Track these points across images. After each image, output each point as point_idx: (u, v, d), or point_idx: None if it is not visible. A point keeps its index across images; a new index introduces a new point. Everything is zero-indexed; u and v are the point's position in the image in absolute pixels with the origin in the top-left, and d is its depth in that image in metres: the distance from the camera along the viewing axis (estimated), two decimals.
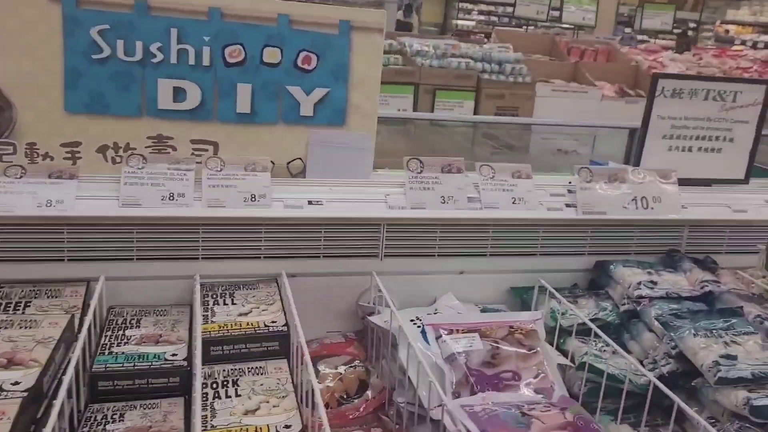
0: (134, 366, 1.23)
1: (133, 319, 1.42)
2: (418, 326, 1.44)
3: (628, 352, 1.58)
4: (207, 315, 1.40)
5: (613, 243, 1.83)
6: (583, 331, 1.58)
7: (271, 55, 1.59)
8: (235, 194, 1.50)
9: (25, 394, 1.03)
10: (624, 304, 1.63)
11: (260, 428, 1.11)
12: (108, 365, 1.22)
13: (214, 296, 1.48)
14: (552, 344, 1.60)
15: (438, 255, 1.71)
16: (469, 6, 16.63)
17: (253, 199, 1.51)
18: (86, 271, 1.47)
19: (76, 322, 1.31)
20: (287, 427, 1.12)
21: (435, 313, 1.52)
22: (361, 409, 1.47)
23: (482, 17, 16.54)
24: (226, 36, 1.55)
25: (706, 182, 1.98)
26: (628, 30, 11.47)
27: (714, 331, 1.43)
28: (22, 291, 1.42)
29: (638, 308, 1.58)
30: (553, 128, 5.67)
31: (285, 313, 1.42)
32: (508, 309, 1.76)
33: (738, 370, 1.32)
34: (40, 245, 1.45)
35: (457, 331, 1.33)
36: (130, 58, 1.51)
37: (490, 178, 1.71)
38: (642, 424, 1.35)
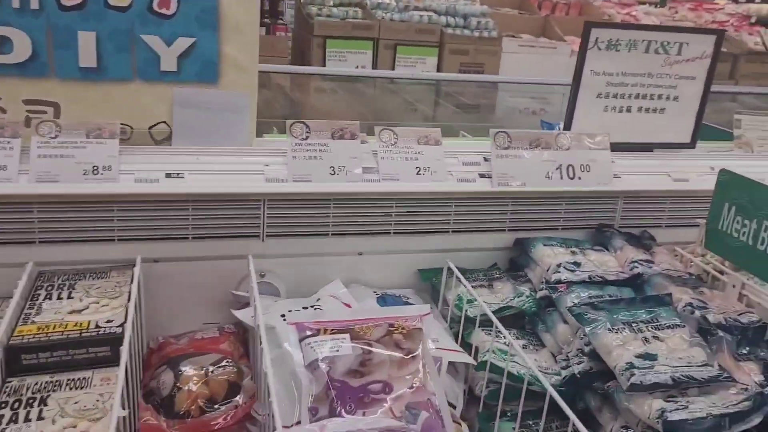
0: None
1: None
2: None
3: (543, 345, 1.38)
4: (30, 313, 1.16)
5: (537, 218, 1.61)
6: (490, 323, 1.37)
7: None
8: (72, 166, 1.26)
9: None
10: (541, 290, 1.43)
11: None
12: None
13: (50, 288, 1.25)
14: (457, 337, 1.40)
15: (332, 234, 1.48)
16: None
17: (95, 172, 1.27)
18: None
19: None
20: None
21: (313, 307, 1.30)
22: (228, 418, 1.25)
23: None
24: None
25: (647, 147, 1.76)
26: None
27: (634, 325, 1.23)
28: None
29: (553, 295, 1.37)
30: (520, 86, 5.40)
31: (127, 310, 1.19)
32: (416, 294, 1.55)
33: (655, 373, 1.12)
34: None
35: (325, 331, 1.11)
36: None
37: (391, 144, 1.47)
38: None
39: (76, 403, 1.02)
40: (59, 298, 1.22)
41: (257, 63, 1.43)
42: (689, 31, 1.77)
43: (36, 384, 1.05)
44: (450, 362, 1.34)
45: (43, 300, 1.21)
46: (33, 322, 1.14)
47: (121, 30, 1.33)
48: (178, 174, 1.32)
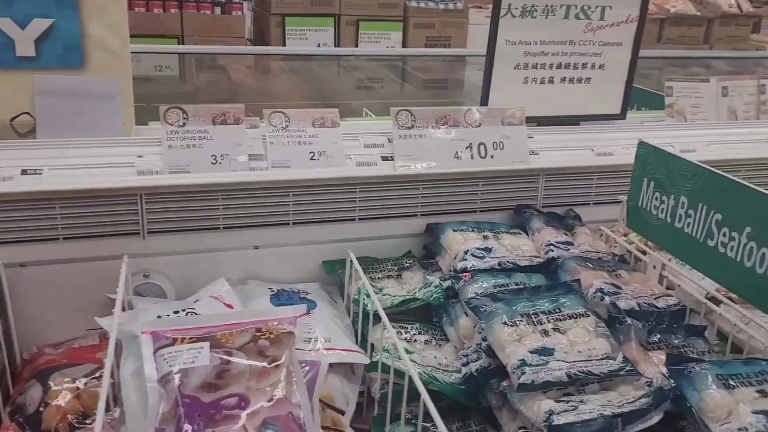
0: None
1: None
2: None
3: (447, 340, 1.28)
4: None
5: (452, 201, 1.50)
6: (394, 317, 1.27)
7: None
8: None
9: None
10: (446, 279, 1.32)
11: None
12: None
13: None
14: (357, 333, 1.29)
15: (224, 228, 1.37)
16: None
17: None
18: None
19: None
20: None
21: (185, 310, 1.19)
22: None
23: None
24: None
25: (574, 120, 1.65)
26: None
27: (534, 316, 1.13)
28: None
29: (456, 286, 1.27)
30: None
31: None
32: (322, 288, 1.45)
33: (548, 371, 1.02)
34: None
35: (183, 340, 1.01)
36: None
37: (282, 128, 1.35)
38: None
39: None
40: None
41: (128, 44, 1.31)
42: None
43: None
44: (349, 363, 1.24)
45: None
46: None
47: None
48: (35, 170, 1.20)
